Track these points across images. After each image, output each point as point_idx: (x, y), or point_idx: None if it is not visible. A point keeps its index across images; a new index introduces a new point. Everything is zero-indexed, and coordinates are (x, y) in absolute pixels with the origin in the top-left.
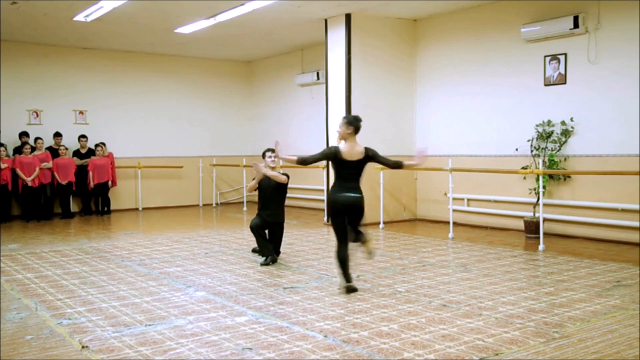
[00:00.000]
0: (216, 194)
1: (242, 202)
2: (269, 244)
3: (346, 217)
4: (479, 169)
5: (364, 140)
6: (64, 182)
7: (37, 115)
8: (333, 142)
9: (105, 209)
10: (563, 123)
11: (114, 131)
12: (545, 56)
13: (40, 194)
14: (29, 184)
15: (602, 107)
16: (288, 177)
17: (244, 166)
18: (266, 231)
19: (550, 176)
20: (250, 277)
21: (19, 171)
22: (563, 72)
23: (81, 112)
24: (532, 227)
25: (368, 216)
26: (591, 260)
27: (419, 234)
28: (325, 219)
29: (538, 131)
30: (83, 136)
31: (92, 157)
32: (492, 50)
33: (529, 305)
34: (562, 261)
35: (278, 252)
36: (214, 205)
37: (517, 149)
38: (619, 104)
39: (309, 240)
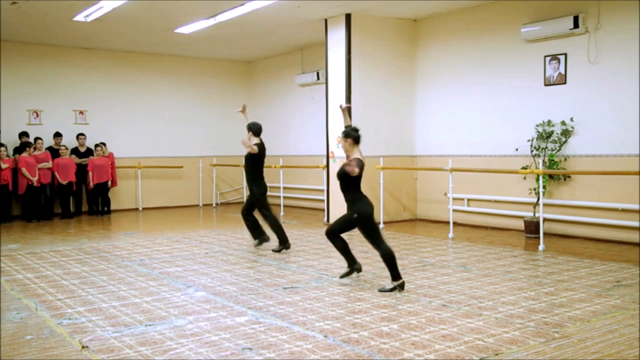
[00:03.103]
0: (216, 194)
1: (242, 202)
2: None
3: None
4: (479, 169)
5: (364, 140)
6: (64, 182)
7: (37, 116)
8: (333, 143)
9: (106, 209)
10: (563, 123)
11: (114, 131)
12: (545, 56)
13: (40, 194)
14: (35, 184)
15: (602, 107)
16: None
17: (244, 166)
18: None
19: (550, 176)
20: (251, 277)
21: (24, 171)
22: (563, 72)
23: (81, 112)
24: (532, 227)
25: None
26: (591, 260)
27: (419, 234)
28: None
29: (538, 131)
30: (81, 134)
31: (91, 157)
32: (492, 50)
33: (529, 305)
34: (562, 261)
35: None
36: (214, 205)
37: (517, 149)
38: (619, 104)
39: (309, 240)
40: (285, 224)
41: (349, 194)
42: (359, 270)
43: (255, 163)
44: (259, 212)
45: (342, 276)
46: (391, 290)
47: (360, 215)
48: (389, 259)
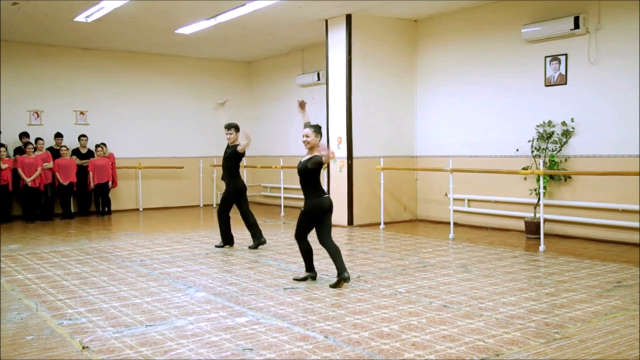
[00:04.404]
0: (217, 194)
1: None
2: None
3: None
4: (479, 170)
5: (365, 140)
6: (65, 183)
7: (38, 116)
8: (333, 143)
9: (106, 209)
10: (564, 123)
11: (115, 132)
12: (545, 57)
13: (41, 195)
14: (29, 184)
15: (603, 108)
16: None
17: (245, 167)
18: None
19: (551, 177)
20: (251, 277)
21: (20, 171)
22: (564, 73)
23: (82, 113)
24: (532, 228)
25: (369, 216)
26: (592, 261)
27: (419, 234)
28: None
29: (539, 132)
30: (83, 135)
31: (92, 158)
32: (493, 50)
33: (530, 305)
34: (562, 262)
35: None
36: (214, 205)
37: (517, 150)
38: (619, 105)
39: (309, 240)
40: (286, 225)
41: (308, 189)
42: (314, 278)
43: (237, 161)
44: (221, 206)
45: (297, 279)
46: (304, 279)
47: (306, 208)
48: (304, 254)
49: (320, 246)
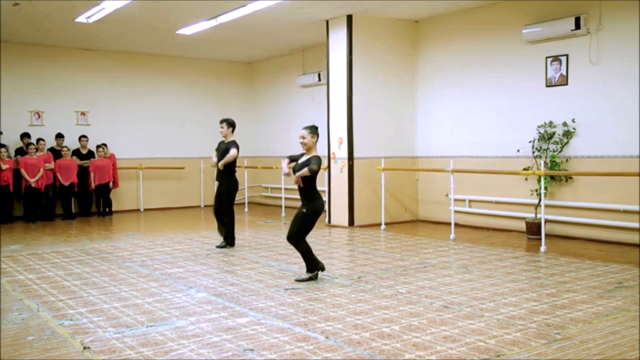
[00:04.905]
0: None
1: (244, 204)
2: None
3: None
4: (480, 170)
5: (366, 141)
6: (66, 183)
7: (39, 117)
8: (334, 144)
9: (107, 210)
10: (565, 124)
11: (116, 132)
12: (546, 57)
13: (42, 195)
14: (33, 185)
15: (604, 108)
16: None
17: (245, 167)
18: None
19: (552, 177)
20: (252, 278)
21: (23, 172)
22: (565, 73)
23: (83, 114)
24: (533, 229)
25: (370, 217)
26: (593, 262)
27: (420, 235)
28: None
29: (540, 132)
30: (84, 136)
31: (92, 159)
32: (494, 51)
33: (531, 306)
34: (563, 262)
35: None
36: None
37: (518, 150)
38: (620, 105)
39: (310, 241)
40: (287, 225)
41: (306, 190)
42: (323, 269)
43: (234, 160)
44: (223, 205)
45: (299, 280)
46: (308, 279)
47: (309, 210)
48: (307, 255)
49: (319, 246)
